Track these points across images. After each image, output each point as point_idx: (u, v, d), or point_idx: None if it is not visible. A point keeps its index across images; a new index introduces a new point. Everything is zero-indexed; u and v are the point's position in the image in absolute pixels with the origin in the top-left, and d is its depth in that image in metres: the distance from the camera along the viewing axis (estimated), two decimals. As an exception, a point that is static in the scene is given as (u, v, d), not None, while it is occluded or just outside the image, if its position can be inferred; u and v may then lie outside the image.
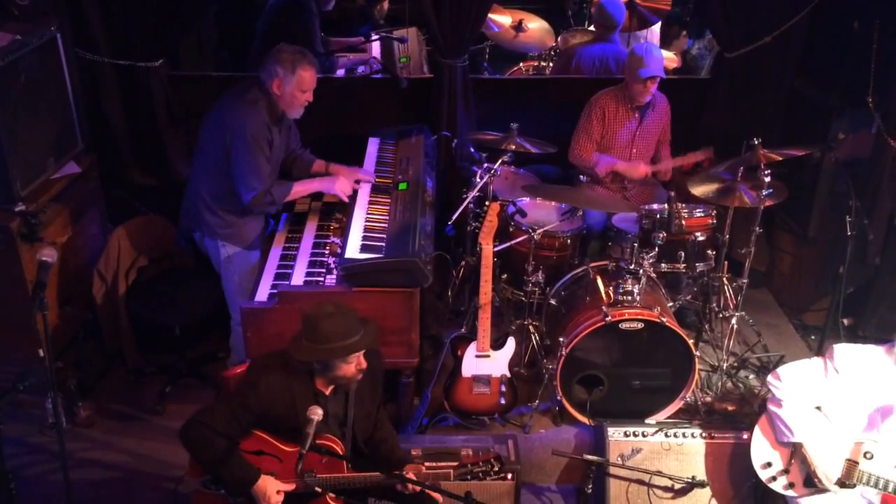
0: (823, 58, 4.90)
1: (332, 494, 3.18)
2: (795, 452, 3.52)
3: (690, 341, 3.99)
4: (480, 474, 3.16)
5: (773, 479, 3.58)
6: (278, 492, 3.07)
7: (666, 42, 6.49)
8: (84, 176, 4.34)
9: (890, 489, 3.39)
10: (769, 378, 3.59)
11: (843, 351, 3.44)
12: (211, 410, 3.07)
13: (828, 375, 3.44)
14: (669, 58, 6.05)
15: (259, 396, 3.04)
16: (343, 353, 3.01)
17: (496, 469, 3.16)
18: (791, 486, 3.56)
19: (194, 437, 3.04)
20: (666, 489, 3.87)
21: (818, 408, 3.51)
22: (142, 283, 4.41)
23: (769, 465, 3.59)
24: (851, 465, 3.42)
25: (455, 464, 3.20)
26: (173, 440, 4.01)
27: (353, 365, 3.07)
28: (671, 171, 4.74)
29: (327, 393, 3.17)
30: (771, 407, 3.56)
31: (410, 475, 3.12)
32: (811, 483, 3.51)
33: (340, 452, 3.12)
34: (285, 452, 3.12)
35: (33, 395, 3.94)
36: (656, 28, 6.44)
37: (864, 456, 3.41)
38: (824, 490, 3.47)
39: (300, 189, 4.07)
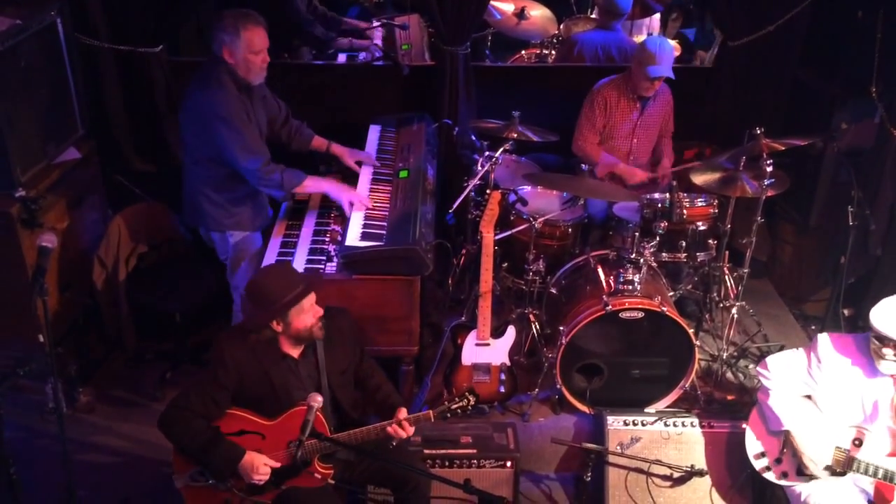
0: (827, 47, 4.88)
1: (321, 465, 3.19)
2: (787, 442, 3.54)
3: (690, 331, 3.99)
4: (459, 410, 3.18)
5: (767, 468, 3.60)
6: (265, 464, 3.08)
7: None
8: (84, 162, 4.32)
9: (880, 476, 3.40)
10: (758, 368, 3.60)
11: (826, 341, 3.45)
12: (185, 395, 3.08)
13: (811, 365, 3.46)
14: (674, 46, 6.02)
15: (228, 371, 3.06)
16: (294, 302, 3.03)
17: (472, 402, 3.18)
18: (784, 475, 3.57)
19: (173, 423, 3.05)
20: (665, 478, 3.88)
21: (809, 397, 3.52)
22: (142, 270, 4.41)
23: (762, 455, 3.60)
24: (843, 453, 3.44)
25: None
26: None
27: (310, 314, 3.09)
28: (670, 173, 4.71)
29: (296, 356, 3.18)
30: (760, 396, 3.58)
31: (399, 420, 3.13)
32: (804, 472, 3.52)
33: (319, 415, 3.08)
34: (266, 427, 3.12)
35: (34, 381, 3.94)
36: (657, 16, 6.41)
37: (855, 444, 3.42)
38: (816, 477, 3.48)
39: (310, 185, 3.98)
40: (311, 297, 3.12)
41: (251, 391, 3.11)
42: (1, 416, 3.05)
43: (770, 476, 3.60)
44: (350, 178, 4.30)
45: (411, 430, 3.18)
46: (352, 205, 3.96)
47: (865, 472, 3.42)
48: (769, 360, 3.56)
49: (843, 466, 3.44)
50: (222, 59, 3.73)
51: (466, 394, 3.19)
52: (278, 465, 3.10)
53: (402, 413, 3.19)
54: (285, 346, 3.16)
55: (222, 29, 3.69)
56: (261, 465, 3.06)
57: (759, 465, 3.61)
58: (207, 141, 3.76)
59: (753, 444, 3.62)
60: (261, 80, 3.85)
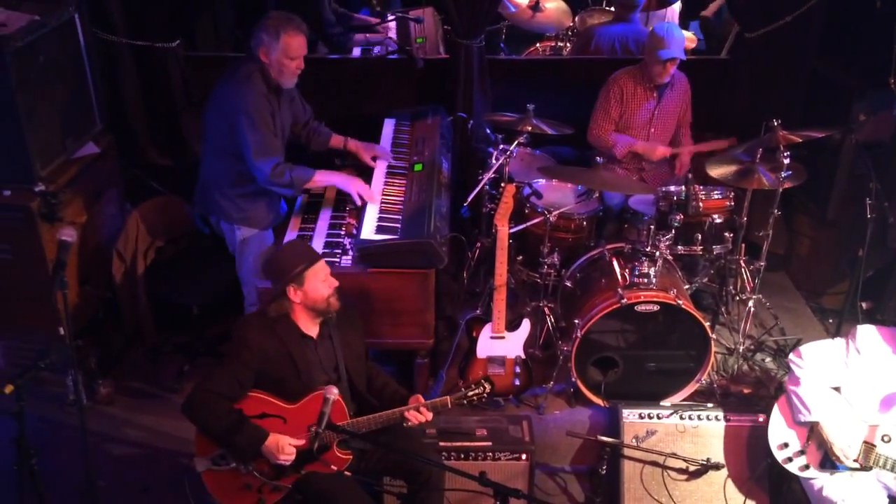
0: (845, 38, 4.83)
1: (340, 451, 3.24)
2: (813, 433, 3.52)
3: (706, 324, 3.98)
4: (475, 398, 3.26)
5: (790, 459, 3.58)
6: (290, 444, 3.12)
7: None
8: (103, 156, 4.35)
9: None
10: (791, 356, 3.59)
11: (866, 332, 3.44)
12: (210, 377, 3.13)
13: (849, 356, 3.44)
14: (689, 37, 5.98)
15: (251, 351, 3.12)
16: (309, 265, 3.16)
17: (488, 390, 3.26)
18: (807, 467, 3.56)
19: (198, 406, 3.09)
20: (681, 471, 3.88)
21: (838, 389, 3.50)
22: (160, 263, 4.45)
23: (786, 445, 3.59)
24: (868, 447, 3.42)
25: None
26: (192, 418, 4.08)
27: (326, 283, 3.20)
28: (689, 163, 4.69)
29: (315, 336, 3.25)
30: (789, 385, 3.57)
31: (418, 405, 3.21)
32: (827, 465, 3.51)
33: (339, 400, 3.16)
34: (288, 411, 3.16)
35: (54, 373, 3.99)
36: (676, 7, 6.37)
37: (882, 439, 3.40)
38: (841, 469, 3.47)
39: (320, 179, 4.00)
40: (325, 268, 3.25)
41: (274, 371, 3.16)
42: (22, 408, 3.08)
43: (792, 467, 3.58)
44: (366, 173, 4.31)
45: (430, 415, 3.24)
46: (360, 195, 3.98)
47: (892, 469, 3.40)
48: (804, 348, 3.55)
49: (868, 461, 3.43)
50: (258, 58, 3.76)
51: (482, 381, 3.27)
52: (302, 442, 3.13)
53: (420, 399, 3.25)
54: (303, 324, 3.23)
55: (264, 29, 3.73)
56: (286, 445, 3.11)
57: (781, 455, 3.60)
58: (230, 135, 3.79)
59: (777, 435, 3.60)
60: (292, 84, 3.89)
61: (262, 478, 3.17)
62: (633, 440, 3.87)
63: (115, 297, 4.39)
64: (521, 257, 4.54)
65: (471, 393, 3.26)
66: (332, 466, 3.22)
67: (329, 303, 3.22)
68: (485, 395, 3.26)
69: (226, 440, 3.12)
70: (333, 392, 3.00)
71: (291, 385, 3.17)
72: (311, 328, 3.26)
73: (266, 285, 3.69)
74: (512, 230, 4.05)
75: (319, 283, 3.20)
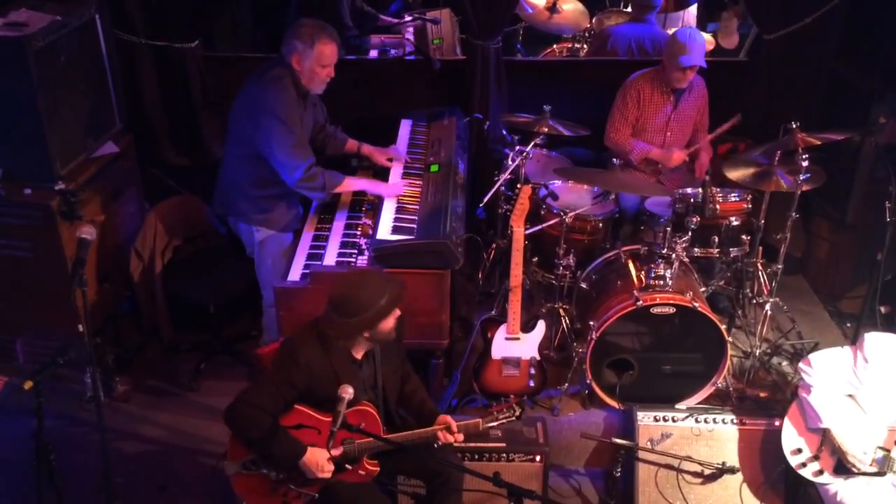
0: (865, 39, 4.79)
1: (368, 461, 3.25)
2: (825, 439, 3.50)
3: (723, 327, 3.95)
4: (505, 421, 3.29)
5: (803, 465, 3.57)
6: (329, 459, 3.12)
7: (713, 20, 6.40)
8: (122, 155, 4.40)
9: None
10: (800, 364, 3.58)
11: (874, 341, 3.41)
12: (255, 390, 3.12)
13: (857, 365, 3.42)
14: (708, 40, 5.96)
15: (300, 371, 3.10)
16: (386, 312, 3.09)
17: (518, 414, 3.28)
18: (821, 472, 3.54)
19: (241, 417, 3.08)
20: (696, 475, 3.86)
21: (852, 396, 3.47)
22: (177, 262, 4.48)
23: (799, 451, 3.57)
24: (884, 452, 3.39)
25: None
26: (207, 416, 4.13)
27: (393, 317, 3.15)
28: (707, 164, 4.66)
29: (360, 358, 3.23)
30: (801, 393, 3.55)
31: (451, 427, 3.22)
32: (841, 470, 3.49)
33: (375, 415, 3.18)
34: (323, 423, 3.16)
35: (73, 370, 4.03)
36: (693, 9, 6.34)
37: None
38: (855, 475, 3.44)
39: (349, 183, 4.04)
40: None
41: (319, 392, 3.14)
42: (40, 405, 3.12)
43: (806, 473, 3.56)
44: (381, 175, 4.34)
45: (461, 436, 3.24)
46: (394, 196, 4.00)
47: None
48: (812, 357, 3.53)
49: (883, 466, 3.40)
50: (289, 64, 3.80)
51: (514, 406, 3.28)
52: (339, 452, 3.13)
53: (451, 420, 3.24)
54: (356, 350, 3.21)
55: (297, 36, 3.76)
56: (325, 464, 3.12)
57: (795, 461, 3.58)
58: (256, 137, 3.81)
59: (790, 440, 3.59)
60: (320, 91, 3.94)
61: (290, 485, 3.18)
62: (648, 443, 3.86)
63: (133, 295, 4.43)
64: (536, 258, 4.54)
65: (502, 417, 3.29)
66: (362, 472, 3.23)
67: (391, 335, 3.20)
68: (516, 418, 3.29)
69: (264, 452, 3.13)
70: (349, 391, 3.00)
71: (331, 403, 3.14)
72: (360, 351, 3.24)
73: (283, 284, 3.73)
74: (527, 231, 4.05)
75: (390, 318, 3.13)
